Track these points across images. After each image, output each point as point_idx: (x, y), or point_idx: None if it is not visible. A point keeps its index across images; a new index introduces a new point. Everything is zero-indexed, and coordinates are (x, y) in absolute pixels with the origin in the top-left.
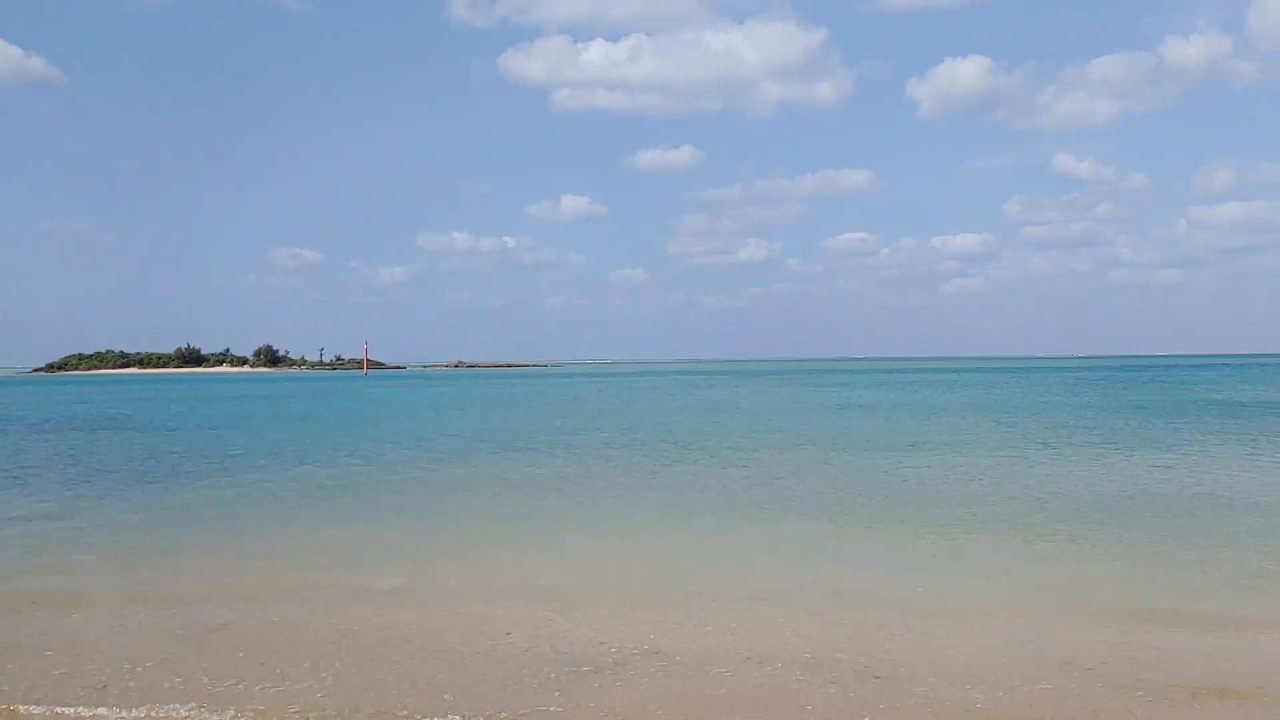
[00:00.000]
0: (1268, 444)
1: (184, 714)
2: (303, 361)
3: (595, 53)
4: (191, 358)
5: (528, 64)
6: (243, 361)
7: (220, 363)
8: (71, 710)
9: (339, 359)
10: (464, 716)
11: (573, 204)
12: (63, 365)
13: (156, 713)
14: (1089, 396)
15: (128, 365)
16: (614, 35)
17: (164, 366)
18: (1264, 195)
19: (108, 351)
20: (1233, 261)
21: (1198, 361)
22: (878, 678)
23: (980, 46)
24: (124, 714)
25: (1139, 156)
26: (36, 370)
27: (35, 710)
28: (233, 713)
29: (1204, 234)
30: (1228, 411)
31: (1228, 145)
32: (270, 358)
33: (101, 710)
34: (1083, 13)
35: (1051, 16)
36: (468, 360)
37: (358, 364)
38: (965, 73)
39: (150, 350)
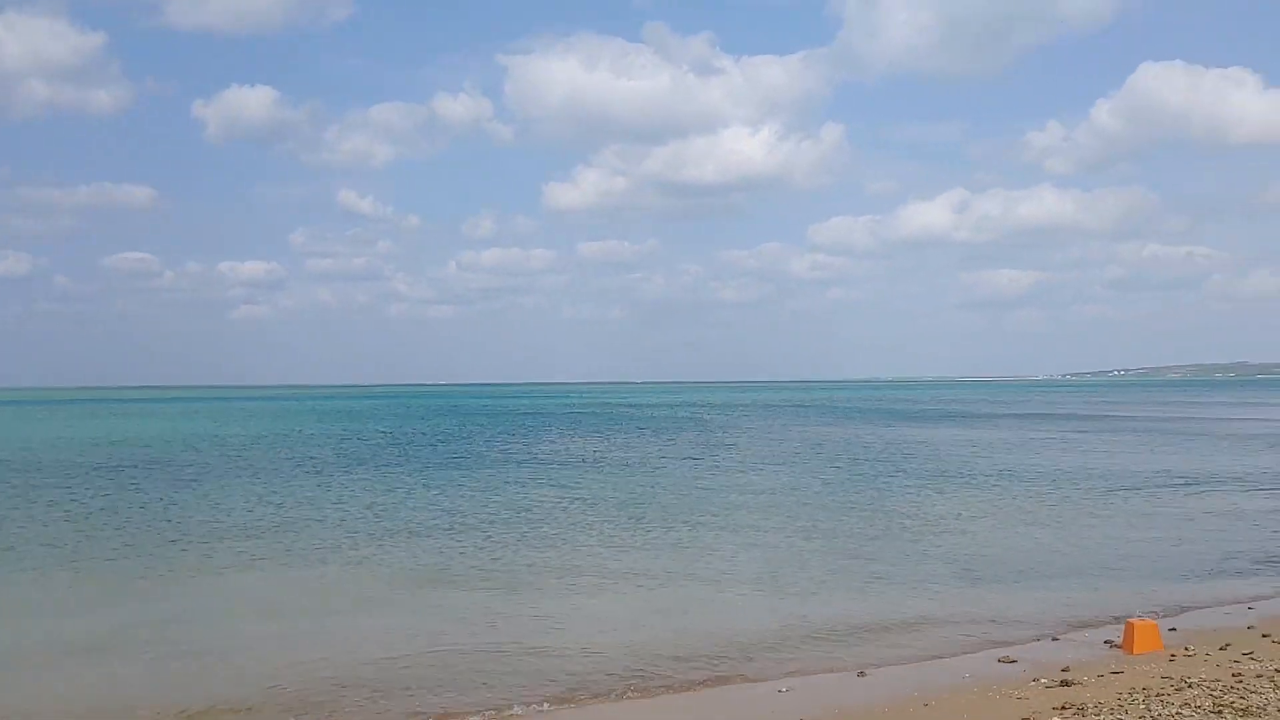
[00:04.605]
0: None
1: None
2: None
3: None
4: None
5: None
6: None
7: None
8: None
9: None
10: None
11: None
12: None
13: None
14: (342, 424)
15: None
16: None
17: None
18: (519, 244)
19: None
20: (495, 300)
21: (471, 391)
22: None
23: (267, 77)
24: None
25: (415, 199)
26: None
27: None
28: None
29: (471, 275)
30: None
31: (490, 196)
32: None
33: None
34: (364, 59)
35: (334, 59)
36: None
37: None
38: (252, 101)
39: None
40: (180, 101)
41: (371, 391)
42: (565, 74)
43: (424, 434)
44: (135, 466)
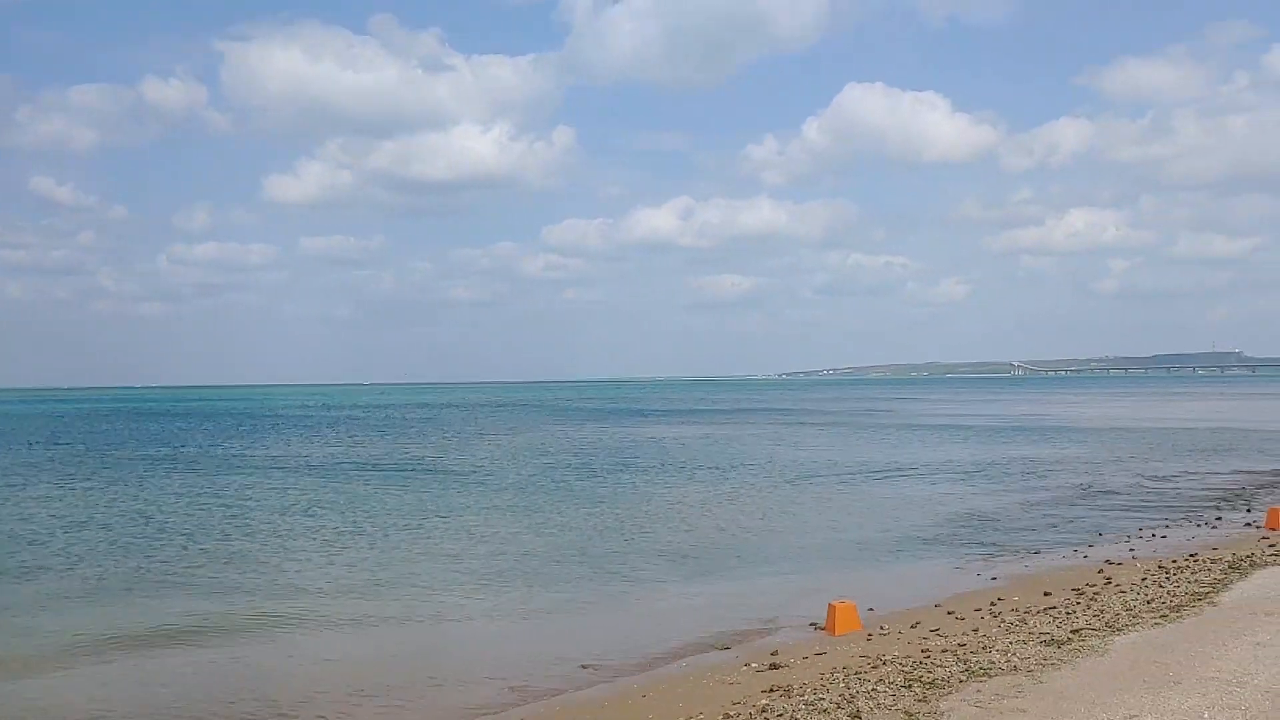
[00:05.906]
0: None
1: None
2: None
3: None
4: None
5: None
6: None
7: None
8: None
9: None
10: None
11: None
12: None
13: None
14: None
15: None
16: None
17: None
18: (237, 238)
19: None
20: (211, 297)
21: (184, 393)
22: None
23: None
24: None
25: (122, 189)
26: None
27: None
28: None
29: (185, 270)
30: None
31: (205, 188)
32: None
33: None
34: (62, 34)
35: (28, 32)
36: None
37: None
38: None
39: None
40: None
41: (72, 395)
42: (287, 63)
43: (126, 439)
44: None
